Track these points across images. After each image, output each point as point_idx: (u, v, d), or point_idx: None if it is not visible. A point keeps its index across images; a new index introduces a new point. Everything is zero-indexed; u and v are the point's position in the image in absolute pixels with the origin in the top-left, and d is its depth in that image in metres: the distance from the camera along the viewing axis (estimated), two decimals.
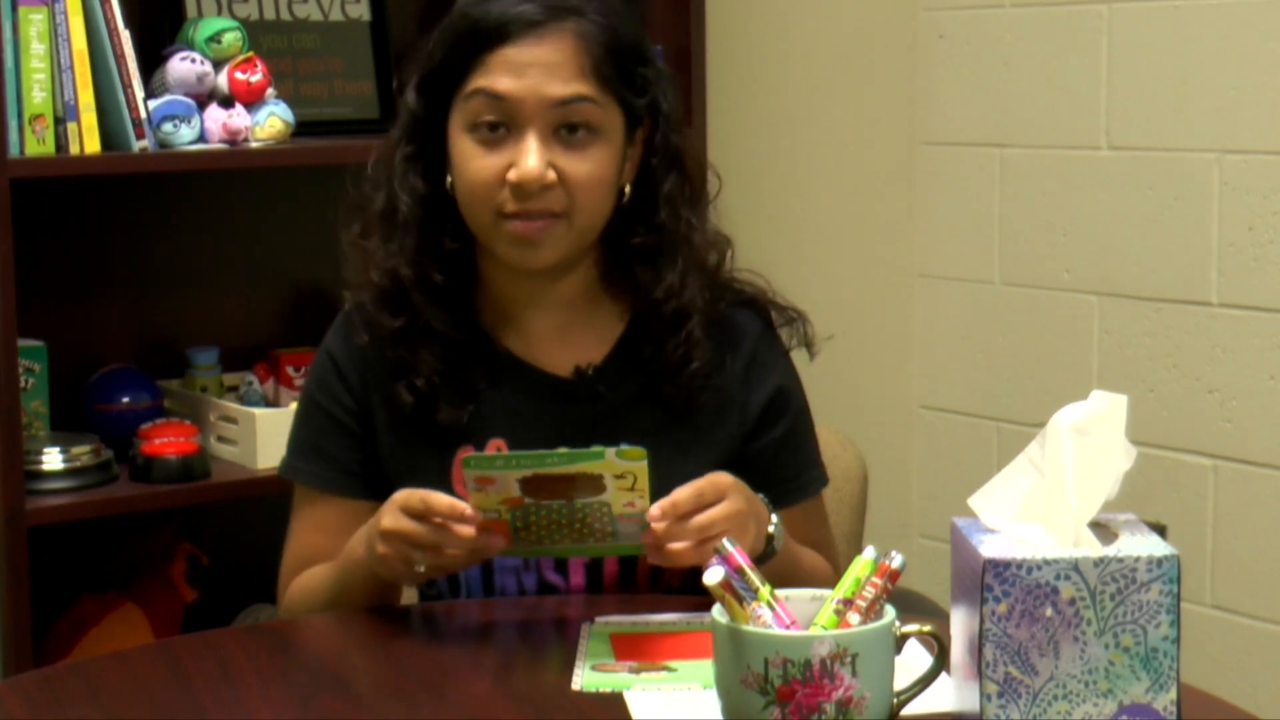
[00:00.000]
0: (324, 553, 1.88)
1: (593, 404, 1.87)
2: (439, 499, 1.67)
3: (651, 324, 1.88)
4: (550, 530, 1.68)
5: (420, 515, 1.68)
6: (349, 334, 1.90)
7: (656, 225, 1.87)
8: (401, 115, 1.90)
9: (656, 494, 1.66)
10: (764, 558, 1.75)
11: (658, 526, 1.65)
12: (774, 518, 1.79)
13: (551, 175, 1.78)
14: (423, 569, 1.71)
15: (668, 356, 1.86)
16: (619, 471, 1.62)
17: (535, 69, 1.78)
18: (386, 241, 1.87)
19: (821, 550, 1.91)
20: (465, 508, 1.66)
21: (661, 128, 1.88)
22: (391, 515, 1.70)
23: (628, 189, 1.87)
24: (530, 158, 1.77)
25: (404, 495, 1.70)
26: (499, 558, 1.80)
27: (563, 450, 1.63)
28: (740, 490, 1.72)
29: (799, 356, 1.96)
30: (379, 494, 1.82)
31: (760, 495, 1.79)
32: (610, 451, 1.61)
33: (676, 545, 1.66)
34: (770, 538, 1.77)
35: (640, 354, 1.88)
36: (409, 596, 1.95)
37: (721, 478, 1.71)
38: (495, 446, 1.85)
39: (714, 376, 1.87)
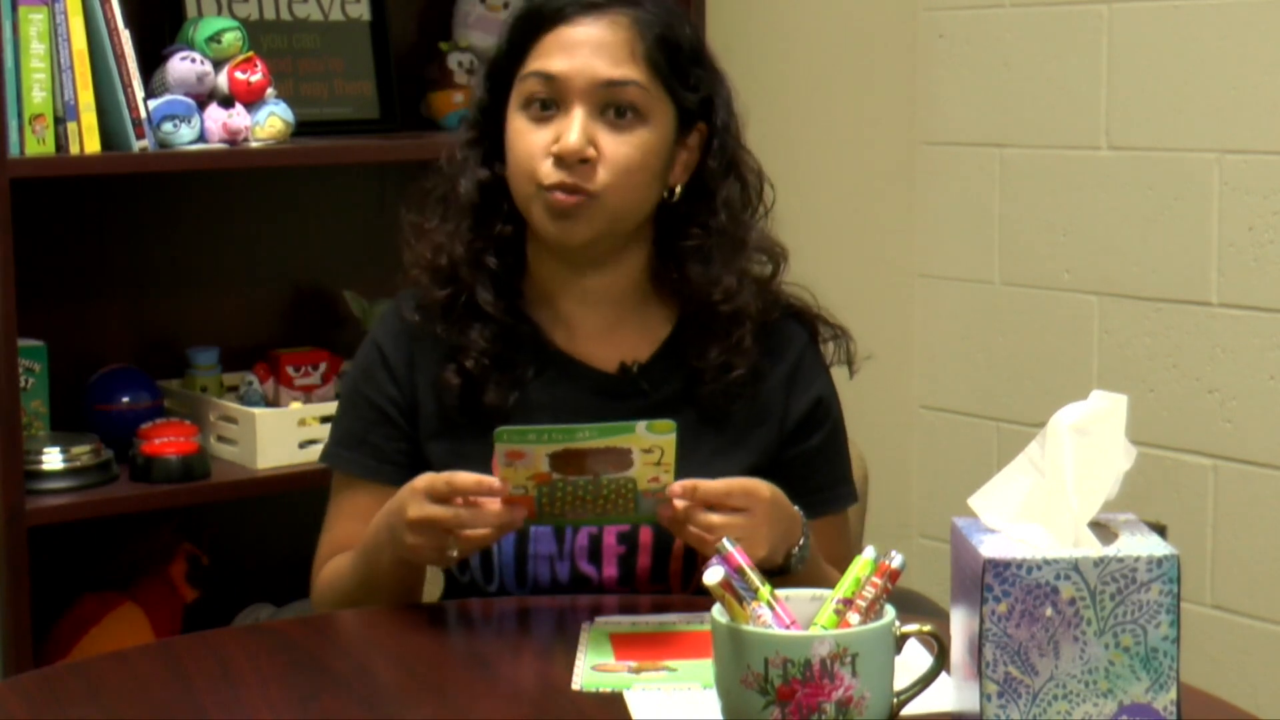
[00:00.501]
0: (357, 540, 1.90)
1: (634, 401, 1.89)
2: (464, 477, 1.69)
3: (701, 326, 1.90)
4: (574, 505, 1.69)
5: (445, 498, 1.69)
6: (397, 322, 1.93)
7: (713, 229, 1.90)
8: (471, 106, 1.97)
9: (694, 477, 1.69)
10: (778, 573, 1.75)
11: (678, 504, 1.67)
12: (803, 540, 1.79)
13: (591, 151, 1.82)
14: (455, 553, 1.72)
15: (710, 360, 1.88)
16: (647, 445, 1.63)
17: (587, 47, 1.83)
18: (444, 222, 1.92)
19: (841, 568, 1.90)
20: (493, 481, 1.67)
21: (720, 134, 1.91)
22: (417, 504, 1.71)
23: (678, 189, 1.90)
24: (573, 131, 1.82)
25: (426, 481, 1.71)
26: (533, 546, 1.83)
27: (594, 425, 1.64)
28: (770, 507, 1.72)
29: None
30: None
31: (799, 512, 1.80)
32: (641, 425, 1.63)
33: (691, 528, 1.68)
34: (790, 556, 1.77)
35: (685, 356, 1.91)
36: (435, 587, 1.95)
37: (759, 488, 1.72)
38: None
39: (750, 387, 1.89)
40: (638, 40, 1.84)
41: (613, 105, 1.83)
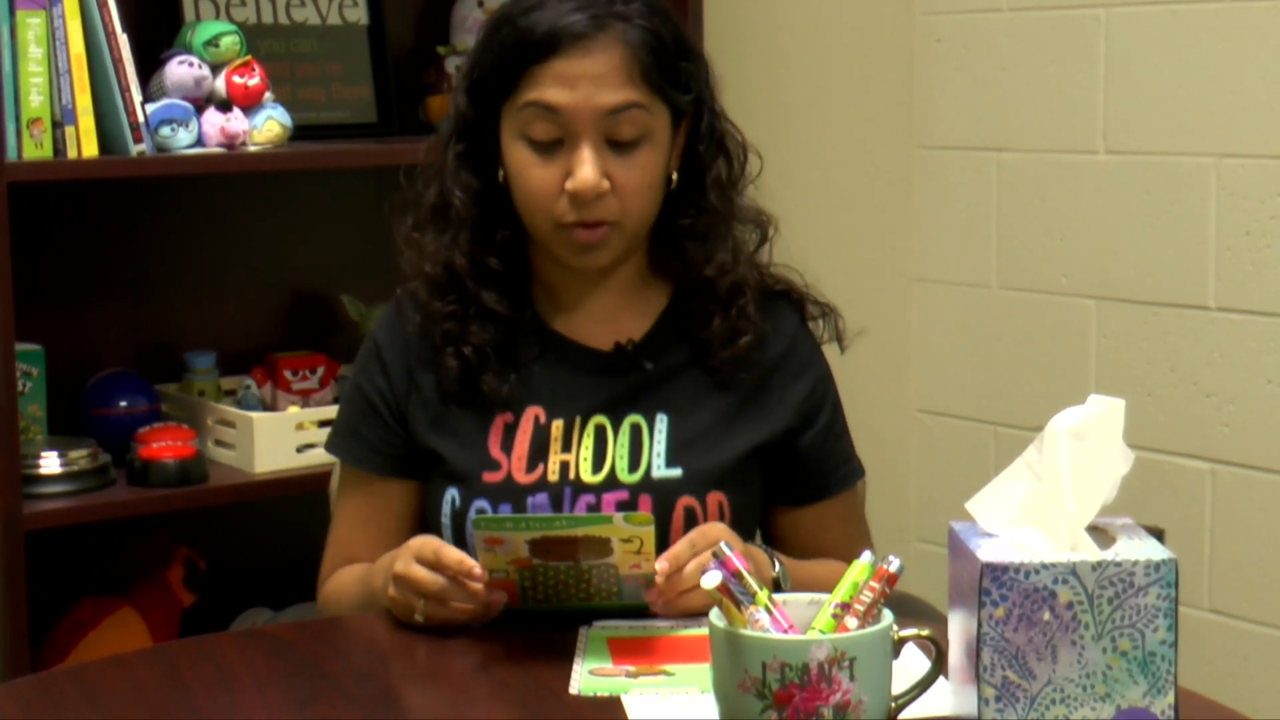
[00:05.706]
0: (360, 546, 1.93)
1: (634, 376, 1.91)
2: (450, 554, 1.70)
3: (702, 300, 1.92)
4: (556, 589, 1.70)
5: (431, 566, 1.71)
6: (396, 321, 1.95)
7: (706, 208, 1.92)
8: (451, 114, 1.95)
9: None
10: None
11: (659, 579, 1.68)
12: (777, 564, 1.83)
13: (606, 184, 1.82)
14: (421, 618, 1.73)
15: (715, 330, 1.90)
16: (626, 535, 1.63)
17: (586, 80, 1.81)
18: (440, 235, 1.92)
19: (858, 546, 1.86)
20: (473, 566, 1.68)
21: (707, 115, 1.92)
22: (404, 560, 1.73)
23: (675, 176, 1.91)
24: (586, 168, 1.81)
25: (419, 543, 1.74)
26: None
27: (571, 514, 1.67)
28: (733, 537, 1.76)
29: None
30: (411, 474, 1.91)
31: (763, 546, 1.85)
32: (618, 516, 1.64)
33: (684, 595, 1.69)
34: (776, 581, 1.80)
35: (682, 327, 1.93)
36: None
37: (712, 528, 1.76)
38: (533, 415, 1.89)
39: (758, 352, 1.91)
40: (634, 62, 1.82)
41: (618, 133, 1.83)
